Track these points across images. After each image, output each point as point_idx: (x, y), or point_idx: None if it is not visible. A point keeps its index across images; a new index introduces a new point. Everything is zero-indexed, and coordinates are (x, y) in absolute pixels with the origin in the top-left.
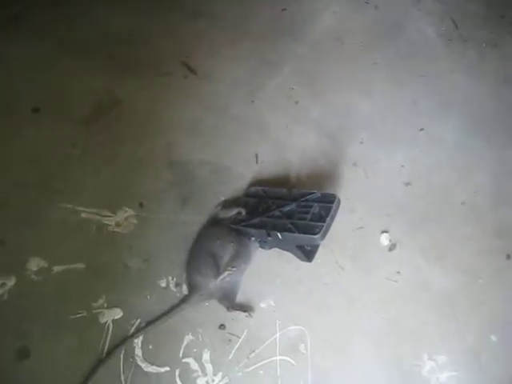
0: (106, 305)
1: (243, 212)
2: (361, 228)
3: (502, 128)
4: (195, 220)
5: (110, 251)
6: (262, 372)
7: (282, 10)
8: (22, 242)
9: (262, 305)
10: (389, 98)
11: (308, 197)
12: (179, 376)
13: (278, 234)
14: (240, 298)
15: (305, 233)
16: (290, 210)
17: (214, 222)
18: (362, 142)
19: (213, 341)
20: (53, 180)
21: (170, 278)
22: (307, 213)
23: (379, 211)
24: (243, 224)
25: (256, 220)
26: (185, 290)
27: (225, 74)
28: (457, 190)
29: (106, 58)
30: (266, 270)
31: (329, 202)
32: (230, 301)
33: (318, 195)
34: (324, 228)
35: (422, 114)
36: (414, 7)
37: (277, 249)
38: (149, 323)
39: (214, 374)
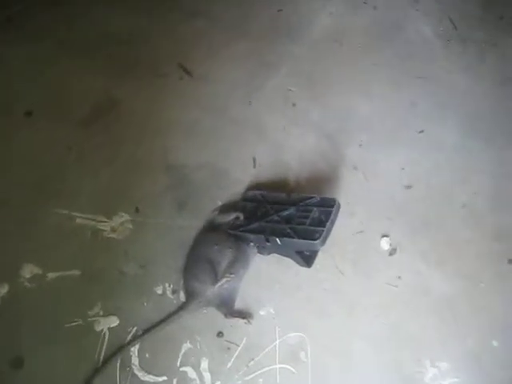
0: (101, 312)
1: (241, 217)
2: (361, 232)
3: (500, 129)
4: (192, 225)
5: (105, 257)
6: (261, 380)
7: (278, 10)
8: (15, 249)
9: (261, 311)
10: (388, 100)
11: (307, 201)
12: None
13: (277, 239)
14: (238, 304)
15: (304, 238)
16: (288, 215)
17: (212, 227)
18: (361, 145)
19: (211, 349)
20: (50, 183)
21: (167, 284)
22: (306, 217)
23: (379, 215)
24: (241, 229)
25: (254, 225)
26: (182, 296)
27: (223, 75)
28: (456, 193)
29: (105, 58)
30: (265, 275)
31: (328, 207)
32: (228, 308)
33: (318, 199)
34: (324, 233)
35: (420, 116)
36: (412, 8)
37: (276, 254)
38: (146, 331)
39: (213, 383)
